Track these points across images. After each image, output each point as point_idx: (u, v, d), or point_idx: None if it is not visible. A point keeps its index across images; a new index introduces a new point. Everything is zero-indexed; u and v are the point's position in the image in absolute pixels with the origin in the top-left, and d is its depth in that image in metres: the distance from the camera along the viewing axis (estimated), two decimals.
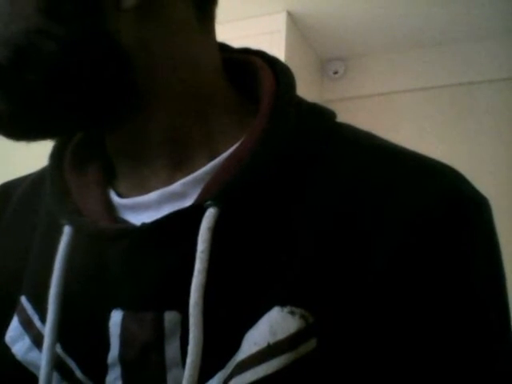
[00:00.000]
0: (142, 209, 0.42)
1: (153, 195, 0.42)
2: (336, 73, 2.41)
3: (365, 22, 2.09)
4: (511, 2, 1.89)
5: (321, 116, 0.44)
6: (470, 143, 2.14)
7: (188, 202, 0.40)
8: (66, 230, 0.42)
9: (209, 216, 0.37)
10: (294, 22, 2.10)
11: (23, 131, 0.42)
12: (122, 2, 0.38)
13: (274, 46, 1.98)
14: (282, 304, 0.36)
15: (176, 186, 0.41)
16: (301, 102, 0.44)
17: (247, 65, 0.46)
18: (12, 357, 0.41)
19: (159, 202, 0.41)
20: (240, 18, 2.00)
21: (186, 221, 0.38)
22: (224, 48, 0.46)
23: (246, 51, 0.48)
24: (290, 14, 2.05)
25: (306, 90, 2.14)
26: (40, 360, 0.40)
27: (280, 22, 2.03)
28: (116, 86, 0.40)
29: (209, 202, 0.37)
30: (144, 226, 0.39)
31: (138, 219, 0.41)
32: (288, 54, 2.01)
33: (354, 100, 2.36)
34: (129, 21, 0.38)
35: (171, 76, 0.41)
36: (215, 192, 0.38)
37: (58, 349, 0.40)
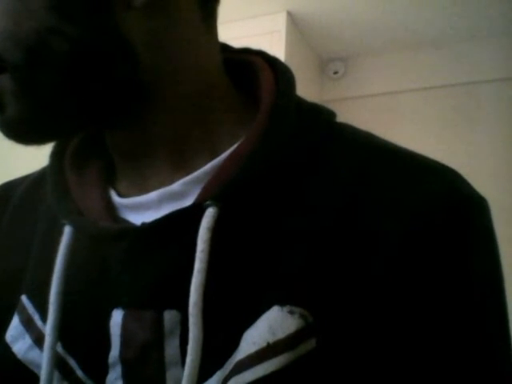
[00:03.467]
0: (143, 208, 0.42)
1: (153, 195, 0.42)
2: (336, 73, 2.41)
3: (365, 22, 2.09)
4: (511, 2, 1.89)
5: (320, 115, 0.44)
6: (469, 143, 2.14)
7: (188, 202, 0.40)
8: (67, 230, 0.42)
9: (208, 216, 0.37)
10: (294, 22, 2.10)
11: (33, 135, 0.41)
12: (132, 0, 0.38)
13: (274, 46, 1.98)
14: (282, 303, 0.36)
15: (176, 185, 0.41)
16: (300, 102, 0.44)
17: (248, 65, 0.46)
18: (12, 356, 0.41)
19: (159, 202, 0.41)
20: (240, 18, 2.00)
21: (186, 220, 0.38)
22: (225, 48, 0.46)
23: (247, 51, 0.48)
24: (290, 14, 2.05)
25: (306, 89, 2.14)
26: (41, 359, 0.40)
27: (280, 22, 2.03)
28: (124, 85, 0.39)
29: (208, 202, 0.37)
30: (144, 225, 0.39)
31: (138, 219, 0.41)
32: (288, 53, 2.01)
33: (354, 100, 2.36)
34: (137, 19, 0.38)
35: (176, 75, 0.41)
36: (215, 192, 0.38)
37: (59, 348, 0.40)
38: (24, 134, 0.41)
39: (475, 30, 2.10)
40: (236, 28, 1.95)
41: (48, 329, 0.39)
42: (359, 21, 2.09)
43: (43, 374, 0.38)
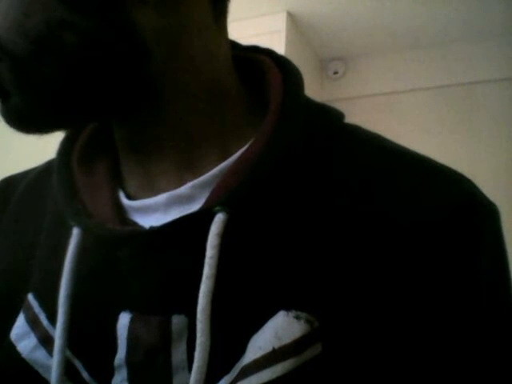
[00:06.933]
0: (150, 211, 0.42)
1: (161, 198, 0.41)
2: (336, 73, 2.41)
3: (365, 22, 2.09)
4: (511, 2, 1.89)
5: (329, 116, 0.43)
6: (469, 143, 2.14)
7: (196, 206, 0.40)
8: (75, 232, 0.41)
9: (217, 222, 0.36)
10: (294, 22, 2.10)
11: (37, 124, 0.41)
12: None
13: (274, 46, 1.95)
14: (288, 308, 0.35)
15: (184, 188, 0.41)
16: (309, 102, 0.43)
17: (255, 64, 0.46)
18: (17, 354, 0.41)
19: (167, 205, 0.41)
20: (240, 18, 2.00)
21: (194, 225, 0.38)
22: (233, 45, 0.46)
23: (255, 49, 0.47)
24: (290, 14, 2.05)
25: (306, 90, 2.13)
26: (46, 359, 0.40)
27: (280, 22, 2.03)
28: (134, 79, 0.39)
29: (217, 208, 0.37)
30: (152, 229, 0.39)
31: (146, 221, 0.41)
32: (288, 54, 2.01)
33: (353, 100, 2.36)
34: (149, 14, 0.38)
35: (187, 72, 0.41)
36: (223, 197, 0.38)
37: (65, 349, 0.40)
38: (26, 123, 0.40)
39: (475, 29, 2.10)
40: (236, 28, 1.93)
41: (58, 332, 0.39)
42: (359, 21, 2.09)
43: (53, 377, 0.38)
